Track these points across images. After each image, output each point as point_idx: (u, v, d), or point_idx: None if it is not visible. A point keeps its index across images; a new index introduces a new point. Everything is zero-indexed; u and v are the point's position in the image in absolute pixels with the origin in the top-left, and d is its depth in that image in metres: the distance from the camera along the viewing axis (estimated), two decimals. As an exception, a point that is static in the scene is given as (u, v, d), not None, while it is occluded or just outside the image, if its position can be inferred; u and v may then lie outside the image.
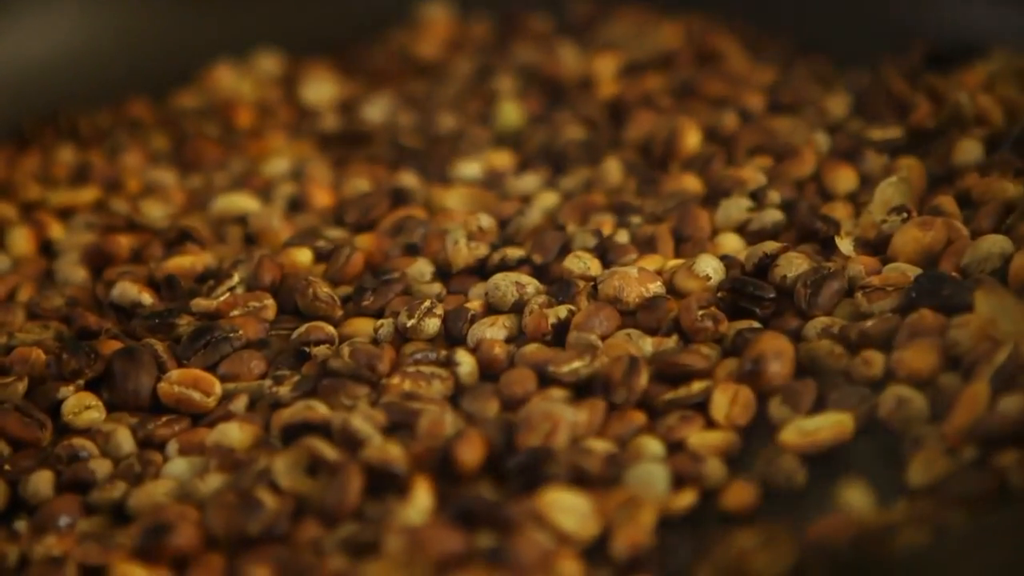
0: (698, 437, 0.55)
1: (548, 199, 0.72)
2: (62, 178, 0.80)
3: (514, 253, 0.66)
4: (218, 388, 0.61)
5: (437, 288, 0.65)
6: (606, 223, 0.68)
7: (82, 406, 0.60)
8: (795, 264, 0.61)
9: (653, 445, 0.55)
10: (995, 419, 0.52)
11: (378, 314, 0.64)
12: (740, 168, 0.71)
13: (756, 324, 0.60)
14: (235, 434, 0.57)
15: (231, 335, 0.62)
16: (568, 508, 0.51)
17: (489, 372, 0.59)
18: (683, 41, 0.86)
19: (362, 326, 0.63)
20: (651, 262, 0.64)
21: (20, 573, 0.53)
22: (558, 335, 0.60)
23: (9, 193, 0.79)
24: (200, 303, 0.65)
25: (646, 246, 0.66)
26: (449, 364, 0.59)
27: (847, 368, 0.56)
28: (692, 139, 0.74)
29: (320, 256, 0.68)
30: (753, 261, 0.62)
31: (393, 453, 0.53)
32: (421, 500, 0.52)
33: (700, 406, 0.56)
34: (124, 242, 0.71)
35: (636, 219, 0.68)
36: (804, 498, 0.53)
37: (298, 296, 0.65)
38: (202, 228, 0.72)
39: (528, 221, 0.69)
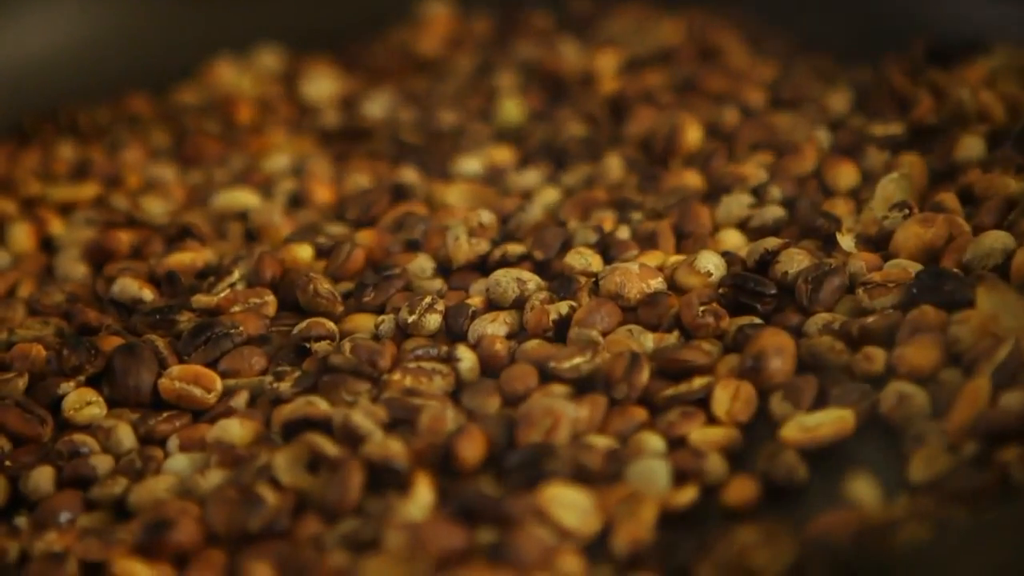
0: (699, 433, 0.55)
1: (549, 195, 0.72)
2: (62, 174, 0.80)
3: (515, 249, 0.65)
4: (219, 384, 0.61)
5: (438, 284, 0.65)
6: (607, 219, 0.68)
7: (83, 402, 0.60)
8: (796, 260, 0.61)
9: (654, 441, 0.55)
10: (996, 415, 0.52)
11: (379, 310, 0.64)
12: (741, 164, 0.71)
13: (757, 320, 0.60)
14: (236, 430, 0.57)
15: (232, 331, 0.62)
16: (569, 504, 0.51)
17: (490, 368, 0.59)
18: (684, 37, 0.86)
19: (363, 322, 0.63)
20: (652, 258, 0.64)
21: (21, 569, 0.53)
22: (559, 331, 0.60)
23: (9, 189, 0.79)
24: (201, 299, 0.65)
25: (647, 242, 0.66)
26: (450, 360, 0.59)
27: (848, 364, 0.56)
28: (693, 135, 0.74)
29: (321, 252, 0.68)
30: (754, 257, 0.62)
31: (394, 449, 0.53)
32: (422, 496, 0.52)
33: (701, 402, 0.56)
34: (124, 238, 0.71)
35: (637, 215, 0.68)
36: (805, 494, 0.53)
37: (299, 292, 0.64)
38: (203, 224, 0.72)
39: (529, 217, 0.69)
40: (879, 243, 0.63)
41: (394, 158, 0.78)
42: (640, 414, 0.56)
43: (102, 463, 0.58)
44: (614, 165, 0.73)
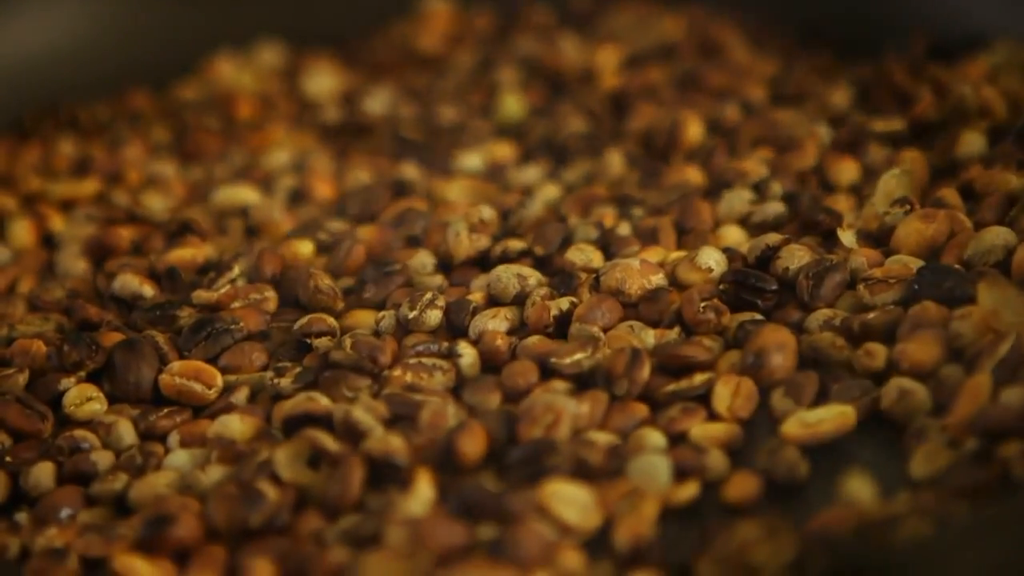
0: (700, 429, 0.55)
1: (550, 191, 0.72)
2: (63, 170, 0.80)
3: (516, 245, 0.65)
4: (219, 380, 0.61)
5: (439, 280, 0.65)
6: (608, 215, 0.68)
7: (83, 398, 0.60)
8: (797, 256, 0.61)
9: (655, 437, 0.55)
10: (997, 411, 0.52)
11: (380, 306, 0.64)
12: (742, 160, 0.71)
13: (758, 316, 0.60)
14: (236, 426, 0.57)
15: (232, 327, 0.62)
16: (570, 500, 0.51)
17: (491, 364, 0.59)
18: (685, 33, 0.86)
19: (364, 318, 0.63)
20: (653, 254, 0.64)
21: (21, 565, 0.53)
22: (560, 327, 0.60)
23: (10, 185, 0.79)
24: (201, 295, 0.65)
25: (648, 238, 0.66)
26: (451, 356, 0.59)
27: (849, 360, 0.56)
28: (694, 131, 0.74)
29: (321, 248, 0.68)
30: (755, 253, 0.62)
31: (395, 445, 0.53)
32: (423, 492, 0.52)
33: (702, 398, 0.56)
34: (125, 234, 0.71)
35: (638, 211, 0.68)
36: (806, 490, 0.53)
37: (299, 288, 0.64)
38: (203, 220, 0.72)
39: (530, 213, 0.68)
40: (880, 239, 0.63)
41: (395, 154, 0.78)
42: (641, 410, 0.56)
43: (103, 459, 0.58)
44: (615, 161, 0.73)
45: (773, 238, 0.62)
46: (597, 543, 0.51)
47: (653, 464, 0.53)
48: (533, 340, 0.60)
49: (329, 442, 0.54)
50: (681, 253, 0.64)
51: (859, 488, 0.51)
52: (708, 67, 0.81)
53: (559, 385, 0.57)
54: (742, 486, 0.53)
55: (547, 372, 0.58)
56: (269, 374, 0.60)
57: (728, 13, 0.87)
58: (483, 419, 0.55)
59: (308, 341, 0.62)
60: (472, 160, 0.76)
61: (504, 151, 0.77)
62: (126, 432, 0.59)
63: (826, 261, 0.60)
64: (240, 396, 0.60)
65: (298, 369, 0.60)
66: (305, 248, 0.68)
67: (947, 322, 0.56)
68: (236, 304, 0.64)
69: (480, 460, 0.54)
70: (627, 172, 0.73)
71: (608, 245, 0.65)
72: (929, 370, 0.55)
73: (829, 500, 0.51)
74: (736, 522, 0.50)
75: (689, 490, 0.53)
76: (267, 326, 0.63)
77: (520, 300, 0.62)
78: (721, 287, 0.61)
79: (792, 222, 0.66)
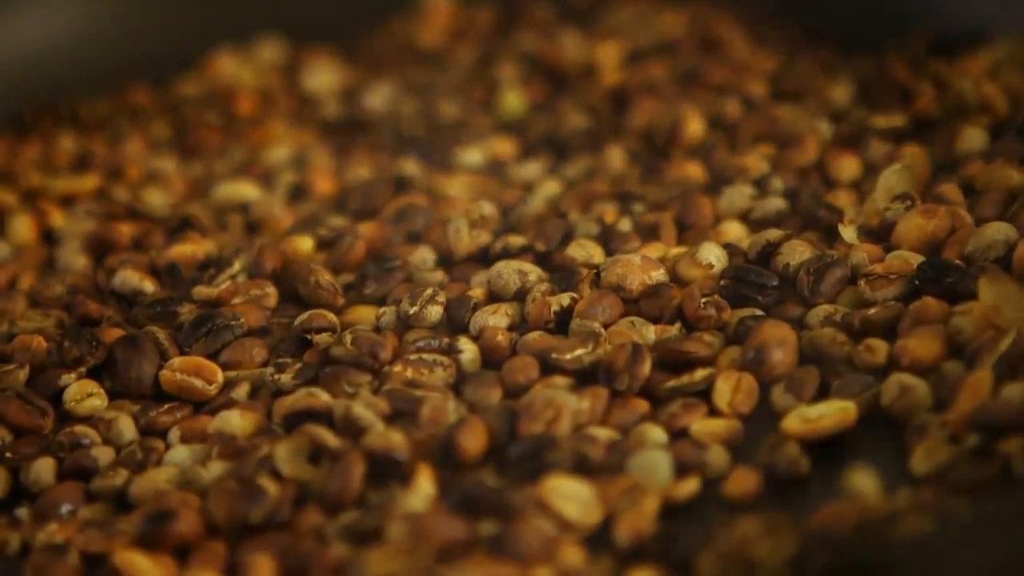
0: (701, 425, 0.55)
1: (550, 187, 0.72)
2: (63, 166, 0.80)
3: (516, 241, 0.65)
4: (220, 376, 0.61)
5: (439, 276, 0.65)
6: (609, 211, 0.68)
7: (84, 393, 0.60)
8: (798, 252, 0.61)
9: (656, 433, 0.55)
10: (998, 406, 0.51)
11: (380, 302, 0.64)
12: (743, 156, 0.70)
13: (759, 312, 0.59)
14: (237, 421, 0.57)
15: (233, 323, 0.62)
16: (571, 496, 0.51)
17: (491, 360, 0.59)
18: (686, 28, 0.86)
19: (364, 314, 0.63)
20: (654, 250, 0.64)
21: (22, 560, 0.53)
22: (561, 323, 0.60)
23: (10, 181, 0.79)
24: (201, 291, 0.65)
25: (649, 234, 0.66)
26: (451, 352, 0.59)
27: (850, 356, 0.56)
28: (695, 127, 0.74)
29: (322, 244, 0.68)
30: (756, 249, 0.62)
31: (395, 440, 0.53)
32: (423, 487, 0.52)
33: (703, 394, 0.56)
34: (125, 230, 0.71)
35: (639, 207, 0.68)
36: (807, 486, 0.53)
37: (300, 284, 0.64)
38: (203, 216, 0.72)
39: (530, 209, 0.68)
40: (881, 235, 0.63)
41: (395, 150, 0.78)
42: (642, 406, 0.56)
43: (103, 454, 0.58)
44: (615, 157, 0.73)
45: (774, 234, 0.62)
46: (598, 539, 0.51)
47: (654, 460, 0.53)
48: (534, 336, 0.60)
49: (330, 438, 0.54)
50: (682, 249, 0.64)
51: (860, 484, 0.51)
52: (709, 63, 0.81)
53: (560, 381, 0.57)
54: (743, 482, 0.53)
55: (548, 368, 0.58)
56: (270, 370, 0.60)
57: (729, 9, 0.87)
58: (483, 415, 0.55)
59: (308, 337, 0.62)
60: (473, 156, 0.76)
61: (505, 147, 0.77)
62: (127, 428, 0.59)
63: (827, 257, 0.60)
64: (241, 392, 0.60)
65: (298, 365, 0.60)
66: (305, 244, 0.68)
67: (948, 318, 0.56)
68: (236, 300, 0.64)
69: (481, 456, 0.53)
70: (628, 168, 0.73)
71: (609, 241, 0.65)
72: (930, 366, 0.55)
73: (830, 496, 0.51)
74: (737, 518, 0.50)
75: (690, 486, 0.53)
76: (267, 322, 0.63)
77: (521, 296, 0.62)
78: (722, 283, 0.61)
79: (793, 218, 0.66)
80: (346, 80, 0.87)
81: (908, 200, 0.63)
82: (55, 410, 0.60)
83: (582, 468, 0.53)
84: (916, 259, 0.60)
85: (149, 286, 0.66)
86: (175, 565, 0.52)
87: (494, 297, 0.63)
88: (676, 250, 0.64)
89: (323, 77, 0.87)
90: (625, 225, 0.66)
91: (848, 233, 0.63)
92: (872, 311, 0.57)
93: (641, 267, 0.61)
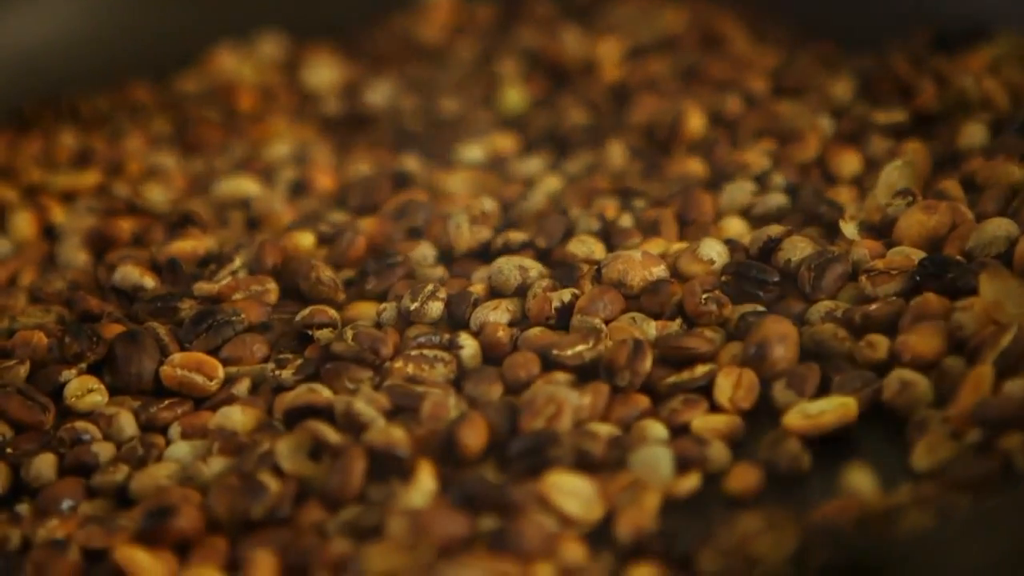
0: (702, 421, 0.55)
1: (551, 183, 0.72)
2: (64, 162, 0.80)
3: (517, 237, 0.65)
4: (220, 371, 0.61)
5: (440, 272, 0.65)
6: (610, 207, 0.68)
7: (84, 389, 0.60)
8: (799, 248, 0.61)
9: (657, 428, 0.55)
10: (999, 402, 0.52)
11: (381, 297, 0.64)
12: (744, 152, 0.70)
13: (760, 308, 0.59)
14: (238, 417, 0.57)
15: (233, 319, 0.62)
16: (572, 491, 0.51)
17: (492, 356, 0.59)
18: (687, 25, 0.86)
19: (365, 309, 0.63)
20: (655, 246, 0.64)
21: (23, 556, 0.53)
22: (562, 319, 0.60)
23: (10, 177, 0.79)
24: (202, 287, 0.65)
25: (650, 230, 0.66)
26: (452, 348, 0.59)
27: (851, 352, 0.56)
28: (696, 123, 0.74)
29: (322, 239, 0.68)
30: (757, 245, 0.62)
31: (396, 436, 0.53)
32: (424, 483, 0.52)
33: (704, 390, 0.56)
34: (126, 226, 0.71)
35: (640, 203, 0.68)
36: (808, 482, 0.53)
37: (300, 279, 0.64)
38: (204, 212, 0.72)
39: (531, 205, 0.68)
40: (882, 230, 0.63)
41: (396, 146, 0.78)
42: (643, 402, 0.56)
43: (104, 450, 0.58)
44: (616, 153, 0.73)
45: (775, 230, 0.62)
46: (599, 535, 0.51)
47: (655, 456, 0.53)
48: (534, 332, 0.60)
49: (330, 434, 0.54)
50: (683, 245, 0.64)
51: (861, 480, 0.51)
52: (710, 59, 0.81)
53: (561, 377, 0.57)
54: (744, 478, 0.53)
55: (549, 364, 0.58)
56: (270, 366, 0.60)
57: (730, 5, 0.87)
58: (484, 411, 0.55)
59: (309, 333, 0.62)
60: (473, 152, 0.76)
61: (505, 143, 0.77)
62: (127, 424, 0.59)
63: (828, 253, 0.60)
64: (241, 388, 0.60)
65: (299, 361, 0.60)
66: (306, 240, 0.68)
67: (949, 313, 0.56)
68: (237, 296, 0.64)
69: (481, 452, 0.53)
70: (629, 164, 0.73)
71: (610, 237, 0.65)
72: (931, 362, 0.55)
73: (831, 492, 0.51)
74: (738, 514, 0.50)
75: (691, 482, 0.53)
76: (268, 318, 0.63)
77: (522, 292, 0.62)
78: (723, 279, 0.61)
79: (794, 214, 0.66)
80: (347, 76, 0.87)
81: (909, 196, 0.63)
82: (56, 406, 0.60)
83: (583, 464, 0.53)
84: (917, 255, 0.60)
85: (150, 282, 0.66)
86: (176, 561, 0.52)
87: (495, 293, 0.63)
88: (677, 246, 0.64)
89: (324, 73, 0.87)
90: (626, 221, 0.66)
91: (849, 229, 0.62)
92: (873, 307, 0.57)
93: (642, 263, 0.61)
